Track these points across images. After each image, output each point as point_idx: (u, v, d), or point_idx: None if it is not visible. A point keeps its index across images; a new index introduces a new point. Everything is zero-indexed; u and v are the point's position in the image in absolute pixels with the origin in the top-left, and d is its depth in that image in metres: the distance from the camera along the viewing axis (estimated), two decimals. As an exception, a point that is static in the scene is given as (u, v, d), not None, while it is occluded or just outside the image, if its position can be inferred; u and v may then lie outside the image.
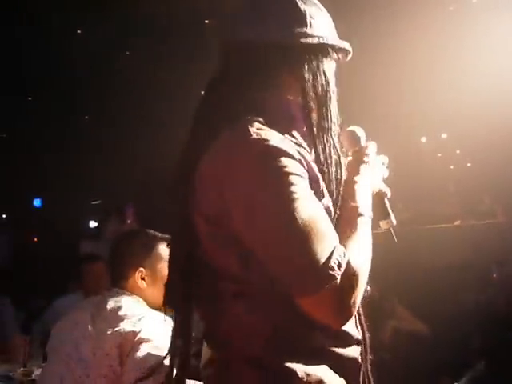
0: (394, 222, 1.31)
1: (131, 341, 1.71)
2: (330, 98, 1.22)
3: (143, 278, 1.91)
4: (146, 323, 1.76)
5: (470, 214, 5.88)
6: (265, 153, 1.06)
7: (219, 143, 1.12)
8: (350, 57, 1.31)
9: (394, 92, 5.23)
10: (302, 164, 1.09)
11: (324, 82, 1.21)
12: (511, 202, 5.65)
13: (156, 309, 1.96)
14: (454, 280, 4.40)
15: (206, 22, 5.25)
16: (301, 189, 1.06)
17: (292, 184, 1.05)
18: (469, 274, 4.46)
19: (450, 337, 3.91)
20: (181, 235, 1.21)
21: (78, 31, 5.58)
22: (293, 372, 1.11)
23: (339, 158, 1.23)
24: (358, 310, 1.23)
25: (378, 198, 1.30)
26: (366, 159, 1.27)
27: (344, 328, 1.15)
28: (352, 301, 1.07)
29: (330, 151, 1.19)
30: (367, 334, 1.27)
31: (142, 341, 1.71)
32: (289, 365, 1.11)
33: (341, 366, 1.17)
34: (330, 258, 1.03)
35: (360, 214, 1.17)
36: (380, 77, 5.08)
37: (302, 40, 1.18)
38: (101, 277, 3.20)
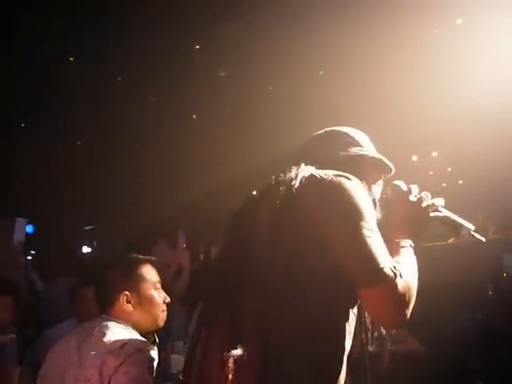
0: (471, 226, 1.58)
1: (111, 367, 1.69)
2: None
3: (129, 302, 1.90)
4: (130, 350, 1.74)
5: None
6: (350, 190, 1.43)
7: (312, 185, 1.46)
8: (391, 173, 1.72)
9: (384, 112, 5.27)
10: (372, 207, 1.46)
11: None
12: (503, 219, 5.66)
13: (145, 332, 1.94)
14: (449, 298, 4.38)
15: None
16: (371, 215, 1.42)
17: (366, 209, 1.41)
18: (464, 292, 4.45)
19: (448, 356, 3.89)
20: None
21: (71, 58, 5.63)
22: None
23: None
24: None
25: (444, 221, 1.59)
26: (412, 198, 1.59)
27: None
28: (407, 300, 1.34)
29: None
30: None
31: (125, 370, 1.69)
32: None
33: None
34: (389, 263, 1.36)
35: (402, 246, 1.50)
36: (369, 97, 5.12)
37: (356, 153, 1.65)
38: (93, 302, 3.15)
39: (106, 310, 1.91)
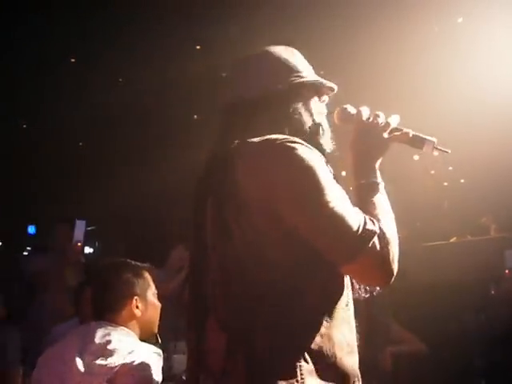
0: (434, 139, 1.45)
1: (121, 374, 1.68)
2: (322, 127, 1.43)
3: (137, 306, 1.89)
4: (137, 356, 1.73)
5: (465, 230, 5.88)
6: (295, 149, 1.27)
7: (250, 151, 1.29)
8: (333, 92, 1.51)
9: (384, 110, 5.26)
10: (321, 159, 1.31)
11: (313, 116, 1.43)
12: (506, 217, 5.65)
13: (148, 337, 1.94)
14: (452, 298, 4.37)
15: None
16: (329, 176, 1.27)
17: (321, 172, 1.26)
18: (467, 292, 4.44)
19: (451, 356, 3.88)
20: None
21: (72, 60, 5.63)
22: None
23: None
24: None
25: (404, 139, 1.45)
26: (362, 124, 1.41)
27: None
28: (391, 257, 1.25)
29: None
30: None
31: (132, 373, 1.68)
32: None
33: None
34: (364, 224, 1.23)
35: (368, 185, 1.34)
36: (368, 96, 5.11)
37: (294, 81, 1.41)
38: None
39: (107, 316, 1.87)
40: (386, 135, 1.42)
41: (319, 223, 1.23)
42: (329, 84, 1.48)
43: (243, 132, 1.34)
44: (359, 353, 1.33)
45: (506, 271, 4.50)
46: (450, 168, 7.18)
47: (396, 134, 1.43)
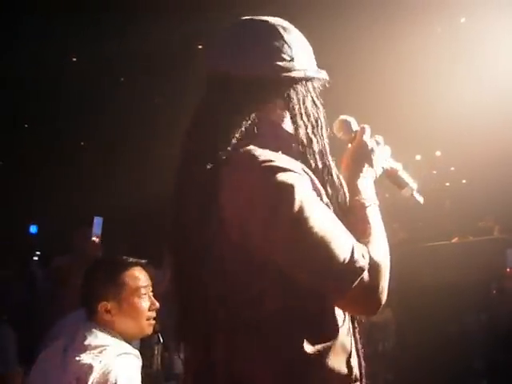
0: (414, 186, 1.37)
1: (87, 374, 1.65)
2: (318, 123, 1.28)
3: (108, 311, 1.81)
4: (107, 356, 1.70)
5: (467, 230, 5.87)
6: (275, 173, 1.12)
7: (230, 173, 1.15)
8: (327, 83, 1.35)
9: (387, 111, 5.26)
10: (309, 178, 1.18)
11: (305, 111, 1.27)
12: (507, 217, 5.64)
13: (140, 336, 1.89)
14: (453, 298, 4.36)
15: (200, 47, 5.33)
16: (313, 200, 1.14)
17: (303, 197, 1.12)
18: (468, 292, 4.43)
19: (452, 356, 3.87)
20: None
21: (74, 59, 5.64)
22: None
23: (337, 177, 1.28)
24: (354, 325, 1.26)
25: (390, 174, 1.37)
26: (363, 143, 1.32)
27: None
28: (380, 289, 1.15)
29: (328, 170, 1.26)
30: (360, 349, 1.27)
31: (102, 372, 1.66)
32: None
33: None
34: (352, 256, 1.11)
35: (366, 206, 1.24)
36: (372, 96, 5.11)
37: (284, 74, 1.23)
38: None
39: (90, 316, 1.84)
40: (382, 164, 1.35)
41: (301, 256, 1.11)
42: (322, 76, 1.31)
43: (233, 127, 1.19)
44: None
45: (508, 269, 4.50)
46: (452, 168, 7.18)
47: (389, 164, 1.36)
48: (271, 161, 1.13)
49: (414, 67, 4.93)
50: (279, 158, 1.15)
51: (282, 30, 1.25)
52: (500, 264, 4.59)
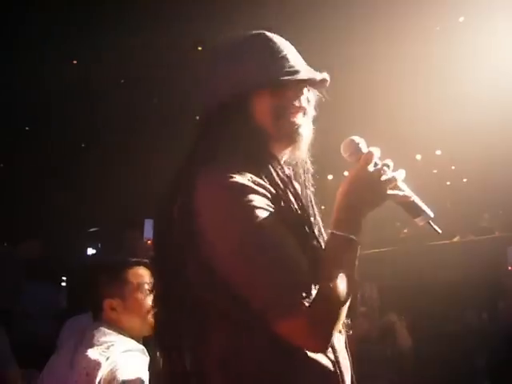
0: (431, 214, 1.28)
1: (96, 369, 1.69)
2: (301, 128, 1.28)
3: (113, 309, 1.86)
4: (114, 353, 1.74)
5: (468, 229, 5.87)
6: (231, 189, 1.15)
7: (197, 184, 1.19)
8: (327, 84, 1.37)
9: (387, 111, 5.26)
10: (267, 197, 1.17)
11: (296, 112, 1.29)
12: (508, 216, 5.64)
13: (138, 338, 1.91)
14: (455, 297, 4.37)
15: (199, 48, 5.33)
16: (265, 220, 1.12)
17: (256, 216, 1.12)
18: (470, 290, 4.43)
19: (453, 356, 3.87)
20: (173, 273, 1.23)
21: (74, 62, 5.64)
22: None
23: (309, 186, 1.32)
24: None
25: (402, 201, 1.27)
26: (364, 171, 1.24)
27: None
28: (325, 326, 1.11)
29: (305, 179, 1.31)
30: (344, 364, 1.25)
31: (110, 369, 1.68)
32: None
33: None
34: (297, 285, 1.09)
35: (343, 239, 1.18)
36: (373, 96, 5.12)
37: (282, 78, 1.26)
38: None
39: (97, 314, 1.89)
40: (387, 191, 1.24)
41: (250, 273, 1.11)
42: (303, 77, 1.28)
43: (208, 150, 1.25)
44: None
45: (510, 268, 4.50)
46: (453, 167, 7.18)
47: (397, 193, 1.25)
48: (232, 177, 1.15)
49: (413, 66, 4.93)
50: (240, 177, 1.16)
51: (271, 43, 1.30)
52: (501, 262, 4.60)
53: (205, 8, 4.77)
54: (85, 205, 7.21)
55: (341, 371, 1.21)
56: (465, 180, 7.20)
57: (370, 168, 1.23)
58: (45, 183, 6.93)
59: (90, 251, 8.15)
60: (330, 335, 1.12)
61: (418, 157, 7.09)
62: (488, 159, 5.72)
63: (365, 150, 1.27)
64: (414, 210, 1.27)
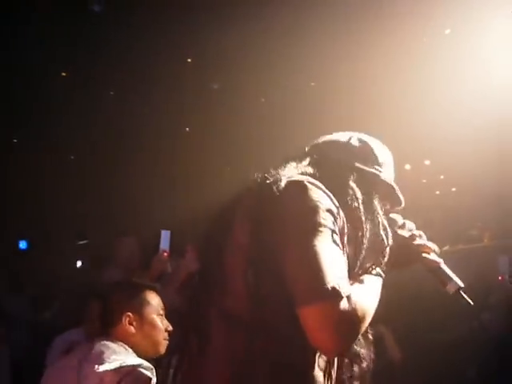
0: (461, 284, 1.46)
1: (109, 381, 1.70)
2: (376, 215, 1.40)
3: (131, 323, 1.92)
4: (126, 368, 1.76)
5: (458, 238, 5.90)
6: (310, 191, 1.27)
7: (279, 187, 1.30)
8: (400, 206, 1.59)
9: (375, 121, 5.29)
10: (335, 218, 1.27)
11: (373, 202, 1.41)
12: (498, 225, 5.67)
13: (154, 355, 1.95)
14: (445, 306, 4.37)
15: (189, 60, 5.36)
16: (328, 233, 1.23)
17: (322, 227, 1.22)
18: (460, 300, 4.43)
19: (445, 366, 3.87)
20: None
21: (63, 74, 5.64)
22: None
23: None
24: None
25: (431, 268, 1.47)
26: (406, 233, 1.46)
27: None
28: (347, 328, 1.17)
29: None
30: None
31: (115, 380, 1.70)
32: None
33: None
34: (334, 282, 1.16)
35: (375, 274, 1.35)
36: (360, 106, 5.15)
37: (373, 171, 1.49)
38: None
39: (108, 329, 1.94)
40: (420, 254, 1.48)
41: (301, 260, 1.18)
42: (396, 196, 1.53)
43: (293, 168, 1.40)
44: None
45: (499, 277, 4.51)
46: (442, 177, 7.22)
47: (428, 257, 1.47)
48: (309, 180, 1.29)
49: (401, 76, 4.97)
50: (318, 191, 1.27)
51: (376, 151, 1.57)
52: (491, 271, 4.61)
53: (196, 21, 4.79)
54: (75, 218, 7.17)
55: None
56: (454, 189, 7.24)
57: (404, 233, 1.48)
58: (35, 195, 6.89)
59: (79, 264, 8.09)
60: (351, 341, 1.22)
61: (407, 167, 7.13)
62: (477, 168, 5.76)
63: (400, 221, 1.50)
64: (443, 276, 1.47)
